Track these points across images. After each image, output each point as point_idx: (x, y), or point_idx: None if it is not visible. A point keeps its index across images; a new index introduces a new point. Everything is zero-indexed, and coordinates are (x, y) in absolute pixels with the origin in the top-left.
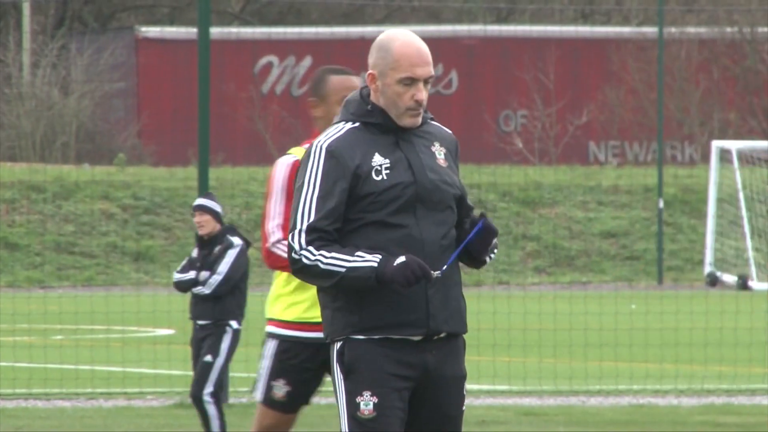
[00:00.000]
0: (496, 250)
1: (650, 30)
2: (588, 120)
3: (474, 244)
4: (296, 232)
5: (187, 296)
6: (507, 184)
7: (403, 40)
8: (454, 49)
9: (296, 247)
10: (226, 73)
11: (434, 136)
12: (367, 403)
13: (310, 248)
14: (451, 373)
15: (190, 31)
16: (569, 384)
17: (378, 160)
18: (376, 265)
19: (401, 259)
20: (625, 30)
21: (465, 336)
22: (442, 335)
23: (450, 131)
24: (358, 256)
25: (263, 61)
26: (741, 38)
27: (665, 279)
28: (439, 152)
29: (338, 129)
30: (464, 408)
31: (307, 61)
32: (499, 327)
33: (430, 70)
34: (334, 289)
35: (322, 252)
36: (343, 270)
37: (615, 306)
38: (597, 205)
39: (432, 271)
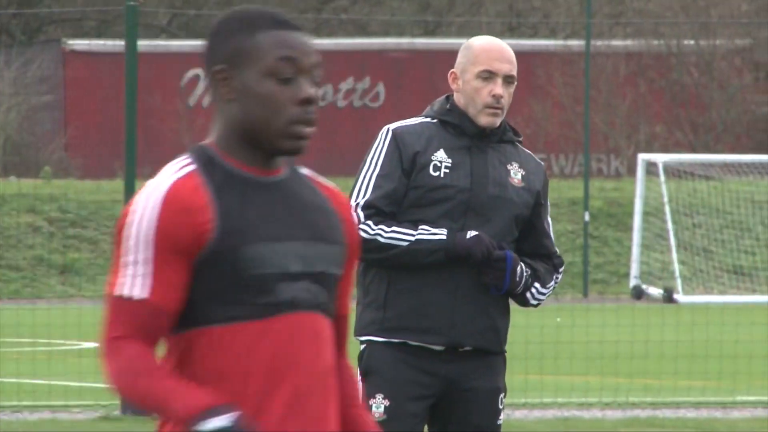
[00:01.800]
0: (540, 290)
1: (577, 43)
2: None
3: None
4: (352, 205)
5: None
6: None
7: (486, 38)
8: (382, 62)
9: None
10: (153, 85)
11: (515, 156)
12: (378, 405)
13: (369, 222)
14: (483, 385)
15: (117, 44)
16: None
17: (441, 156)
18: (444, 237)
19: (473, 232)
20: (552, 43)
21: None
22: (468, 348)
23: (540, 161)
24: (423, 229)
25: (190, 74)
26: (667, 51)
27: (591, 292)
28: (516, 172)
29: (414, 120)
30: (500, 422)
31: None
32: None
33: (510, 68)
34: (388, 262)
35: (381, 227)
36: (408, 243)
37: (541, 319)
38: None
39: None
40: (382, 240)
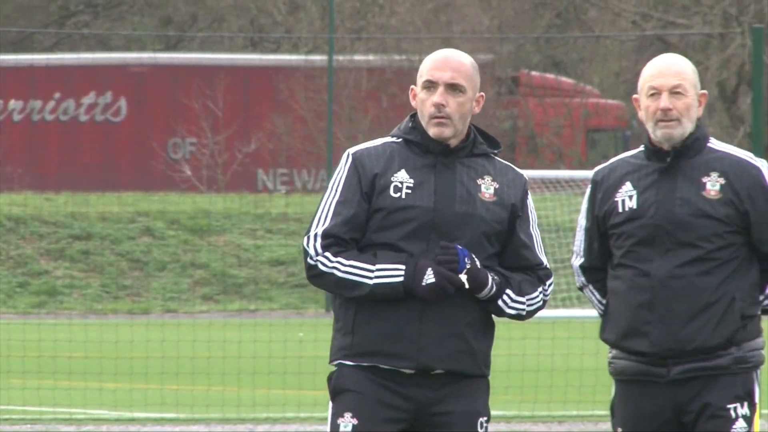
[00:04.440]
0: (515, 298)
1: (319, 58)
2: (257, 148)
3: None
4: (311, 236)
5: None
6: (175, 212)
7: (436, 52)
8: (123, 76)
9: (311, 252)
10: None
11: (488, 170)
12: (346, 424)
13: (327, 254)
14: (460, 408)
15: None
16: (237, 411)
17: (401, 176)
18: (402, 279)
19: (430, 279)
20: (294, 58)
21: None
22: (440, 371)
23: (520, 172)
24: (380, 268)
25: None
26: (410, 66)
27: (331, 306)
28: (487, 186)
29: (376, 141)
30: None
31: None
32: (167, 355)
33: (453, 76)
34: (345, 295)
35: (340, 259)
36: (367, 288)
37: (284, 334)
38: (265, 233)
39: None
40: (338, 274)
